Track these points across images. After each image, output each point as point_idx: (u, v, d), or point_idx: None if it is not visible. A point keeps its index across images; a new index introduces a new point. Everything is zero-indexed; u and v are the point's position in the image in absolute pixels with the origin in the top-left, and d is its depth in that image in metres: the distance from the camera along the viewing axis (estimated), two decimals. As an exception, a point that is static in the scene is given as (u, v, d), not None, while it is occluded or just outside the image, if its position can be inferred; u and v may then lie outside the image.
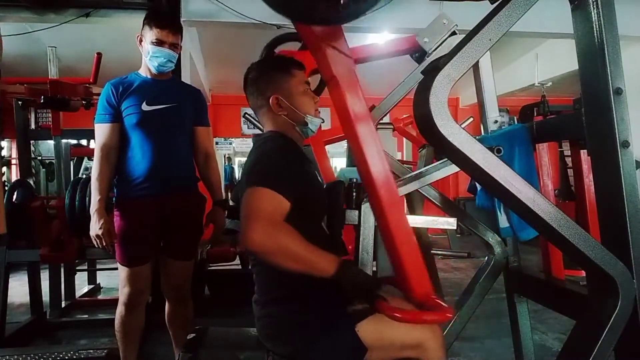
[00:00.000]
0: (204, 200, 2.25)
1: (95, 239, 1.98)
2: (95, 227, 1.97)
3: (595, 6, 1.11)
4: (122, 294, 2.10)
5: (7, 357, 2.54)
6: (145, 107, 2.05)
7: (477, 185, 1.88)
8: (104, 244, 1.98)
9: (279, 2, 0.95)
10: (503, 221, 1.79)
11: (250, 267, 1.47)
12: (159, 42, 2.02)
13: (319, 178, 1.49)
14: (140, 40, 2.07)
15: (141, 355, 2.26)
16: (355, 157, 1.26)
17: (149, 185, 2.05)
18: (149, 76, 2.11)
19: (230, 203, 2.58)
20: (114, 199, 2.11)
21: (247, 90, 1.45)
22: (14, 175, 6.10)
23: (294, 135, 1.43)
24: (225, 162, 9.65)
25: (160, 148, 2.06)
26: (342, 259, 1.22)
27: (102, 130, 2.05)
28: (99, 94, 3.38)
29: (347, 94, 1.18)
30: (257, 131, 3.21)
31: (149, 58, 2.05)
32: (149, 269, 2.11)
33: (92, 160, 5.37)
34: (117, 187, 2.12)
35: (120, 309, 2.13)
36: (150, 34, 2.02)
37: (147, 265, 2.09)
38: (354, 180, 1.71)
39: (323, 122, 1.48)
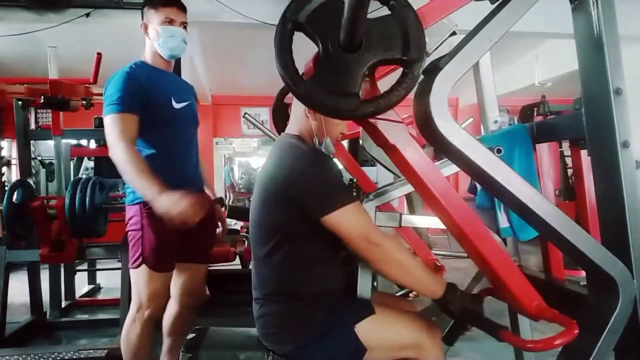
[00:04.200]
0: (214, 199, 2.22)
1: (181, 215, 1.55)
2: (177, 204, 1.56)
3: (595, 6, 1.10)
4: (146, 307, 1.88)
5: (7, 357, 2.54)
6: (175, 104, 1.94)
7: (477, 185, 1.87)
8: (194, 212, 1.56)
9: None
10: (503, 221, 1.79)
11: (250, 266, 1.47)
12: (170, 21, 1.85)
13: None
14: (145, 28, 1.89)
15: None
16: (433, 207, 1.21)
17: (180, 187, 1.96)
18: (161, 67, 1.94)
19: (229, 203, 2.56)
20: (131, 199, 1.89)
21: None
22: (14, 175, 6.09)
23: (308, 141, 1.45)
24: (225, 163, 9.61)
25: (187, 148, 1.99)
26: (447, 282, 1.26)
27: (124, 121, 1.74)
28: (99, 94, 3.40)
29: (409, 158, 1.09)
30: (258, 132, 3.20)
31: (161, 41, 1.86)
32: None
33: (92, 160, 5.36)
34: None
35: (137, 326, 1.89)
36: (156, 16, 1.85)
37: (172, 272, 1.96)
38: (354, 180, 1.70)
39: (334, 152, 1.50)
